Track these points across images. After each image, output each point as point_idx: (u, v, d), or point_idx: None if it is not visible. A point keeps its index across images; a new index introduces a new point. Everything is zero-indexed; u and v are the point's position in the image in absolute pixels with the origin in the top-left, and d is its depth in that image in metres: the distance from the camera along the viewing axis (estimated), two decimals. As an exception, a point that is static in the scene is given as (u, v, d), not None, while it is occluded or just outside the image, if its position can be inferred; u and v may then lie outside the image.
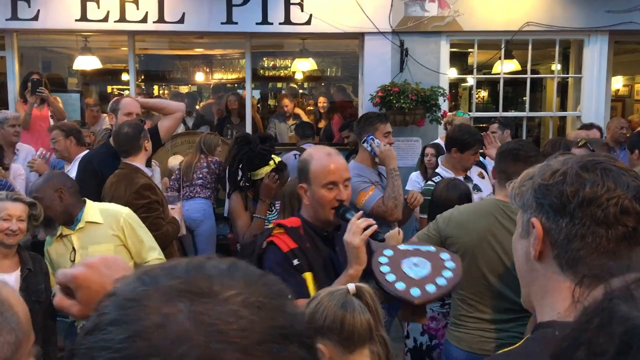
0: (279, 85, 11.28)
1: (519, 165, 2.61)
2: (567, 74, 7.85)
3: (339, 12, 6.63)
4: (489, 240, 2.76)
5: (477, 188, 4.15)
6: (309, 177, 2.32)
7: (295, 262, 2.21)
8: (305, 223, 2.34)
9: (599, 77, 7.00)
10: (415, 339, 3.47)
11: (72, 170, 4.50)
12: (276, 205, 3.75)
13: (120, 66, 9.40)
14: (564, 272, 1.06)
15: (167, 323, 0.59)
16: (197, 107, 9.57)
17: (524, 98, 7.50)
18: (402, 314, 2.37)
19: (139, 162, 3.70)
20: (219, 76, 10.75)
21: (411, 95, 6.26)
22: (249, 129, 7.30)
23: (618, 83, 10.51)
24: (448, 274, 2.13)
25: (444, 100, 6.71)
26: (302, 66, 9.36)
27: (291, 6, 6.67)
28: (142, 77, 10.15)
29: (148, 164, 4.17)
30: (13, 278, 3.00)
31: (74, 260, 3.15)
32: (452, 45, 7.03)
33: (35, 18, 6.54)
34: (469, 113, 6.88)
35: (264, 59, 10.42)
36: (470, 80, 8.14)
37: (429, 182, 4.14)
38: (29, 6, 6.53)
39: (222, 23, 6.68)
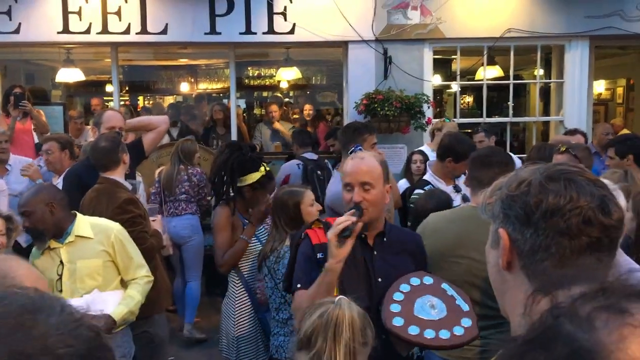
0: (264, 94, 11.27)
1: (490, 171, 2.63)
2: (550, 79, 7.93)
3: (322, 21, 6.65)
4: (463, 247, 2.72)
5: (466, 198, 4.13)
6: None
7: (319, 255, 2.34)
8: None
9: (580, 82, 7.07)
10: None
11: (61, 183, 4.44)
12: (267, 221, 3.65)
13: (104, 78, 9.34)
14: (531, 283, 1.05)
15: None
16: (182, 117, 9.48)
17: (508, 103, 7.56)
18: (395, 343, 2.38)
19: (117, 175, 3.63)
20: (203, 86, 10.73)
21: (395, 103, 6.29)
22: (234, 139, 7.27)
23: (600, 87, 10.61)
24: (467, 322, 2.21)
25: (428, 107, 6.74)
26: (287, 75, 9.37)
27: (274, 16, 6.67)
28: (127, 88, 10.10)
29: (132, 176, 4.14)
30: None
31: (61, 274, 3.11)
32: (435, 53, 7.08)
33: (17, 31, 6.49)
34: (454, 119, 6.91)
35: (249, 68, 10.41)
36: (454, 87, 8.18)
37: (417, 191, 4.14)
38: (10, 19, 6.48)
39: (205, 33, 6.67)
